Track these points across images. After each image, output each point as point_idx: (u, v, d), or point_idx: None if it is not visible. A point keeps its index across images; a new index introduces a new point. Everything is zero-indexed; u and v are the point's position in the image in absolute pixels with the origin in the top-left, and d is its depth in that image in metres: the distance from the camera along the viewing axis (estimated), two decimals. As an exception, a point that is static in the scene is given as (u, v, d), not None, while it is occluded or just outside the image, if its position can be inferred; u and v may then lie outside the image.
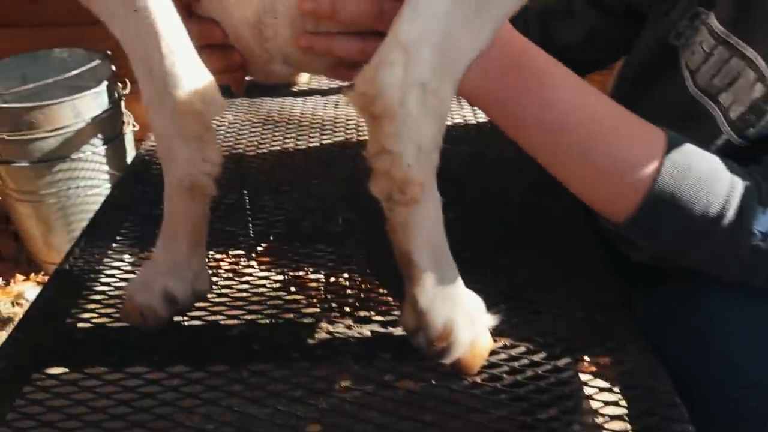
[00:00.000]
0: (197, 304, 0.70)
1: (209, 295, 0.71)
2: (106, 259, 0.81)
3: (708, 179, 0.62)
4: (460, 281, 0.59)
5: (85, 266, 0.80)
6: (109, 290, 0.76)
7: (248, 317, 0.71)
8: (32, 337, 0.69)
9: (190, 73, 0.51)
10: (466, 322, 0.59)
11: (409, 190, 0.48)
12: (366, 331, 0.69)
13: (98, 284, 0.77)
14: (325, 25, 0.55)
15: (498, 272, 0.76)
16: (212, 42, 0.58)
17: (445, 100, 0.50)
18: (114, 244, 0.84)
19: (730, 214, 0.61)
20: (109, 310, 0.73)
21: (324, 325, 0.70)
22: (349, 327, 0.69)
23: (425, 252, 0.53)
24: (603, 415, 0.59)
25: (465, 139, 1.04)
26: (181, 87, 0.51)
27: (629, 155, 0.62)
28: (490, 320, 0.63)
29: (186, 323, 0.70)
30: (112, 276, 0.78)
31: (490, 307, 0.63)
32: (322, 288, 0.75)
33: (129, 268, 0.79)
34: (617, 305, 0.71)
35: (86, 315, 0.72)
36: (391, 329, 0.69)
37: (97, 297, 0.75)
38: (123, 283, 0.76)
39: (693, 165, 0.62)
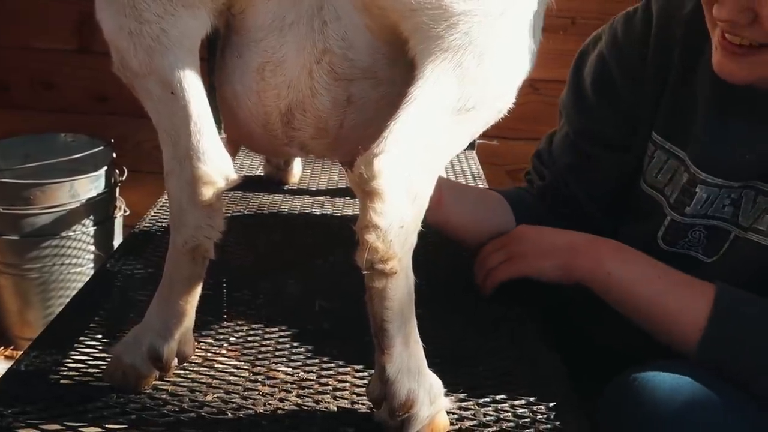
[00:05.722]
0: (175, 372, 0.75)
1: (183, 370, 0.76)
2: (92, 324, 0.86)
3: (756, 321, 0.75)
4: (424, 360, 0.66)
5: (74, 328, 0.85)
6: (94, 352, 0.80)
7: (221, 389, 0.75)
8: (15, 391, 0.73)
9: (211, 149, 0.61)
10: (427, 399, 0.64)
11: (389, 262, 0.56)
12: (333, 406, 0.73)
13: (83, 346, 0.81)
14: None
15: (459, 362, 0.81)
16: None
17: (426, 190, 0.60)
18: (102, 311, 0.89)
19: None
20: (91, 370, 0.77)
21: (293, 398, 0.74)
22: (317, 401, 0.74)
23: (397, 323, 0.60)
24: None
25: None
26: (202, 160, 0.60)
27: (679, 311, 0.78)
28: (447, 403, 0.68)
29: (162, 387, 0.74)
30: (99, 341, 0.82)
31: (448, 392, 0.69)
32: (290, 381, 0.79)
33: (116, 336, 0.84)
34: (567, 396, 0.77)
35: (69, 374, 0.76)
36: (356, 406, 0.73)
37: (82, 358, 0.79)
38: (107, 347, 0.80)
39: (740, 309, 0.76)
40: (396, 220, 0.56)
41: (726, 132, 0.84)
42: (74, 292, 1.83)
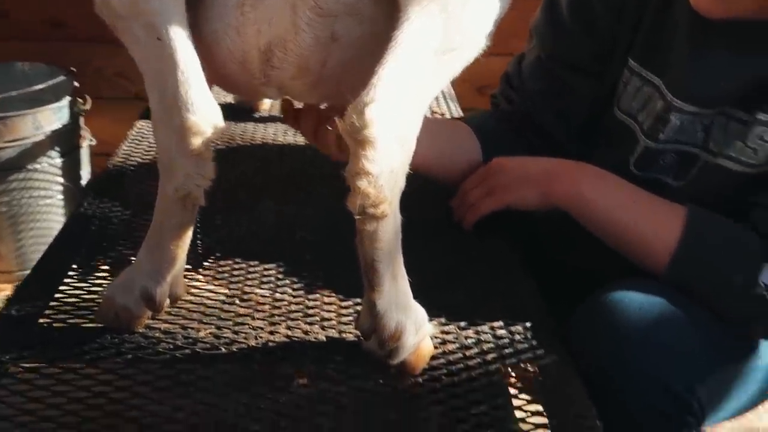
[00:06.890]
0: (166, 310, 0.77)
1: (174, 308, 0.78)
2: (74, 266, 0.86)
3: (723, 245, 0.79)
4: (410, 293, 0.69)
5: (57, 273, 0.85)
6: (83, 293, 0.81)
7: (212, 325, 0.77)
8: (8, 335, 0.74)
9: (200, 99, 0.60)
10: (413, 328, 0.68)
11: (380, 206, 0.58)
12: (321, 336, 0.77)
13: (71, 288, 0.82)
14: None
15: (440, 291, 0.85)
16: None
17: (413, 133, 0.61)
18: (84, 251, 0.90)
19: (745, 271, 0.77)
20: (82, 312, 0.78)
21: (282, 330, 0.77)
22: (306, 332, 0.77)
23: (386, 262, 0.63)
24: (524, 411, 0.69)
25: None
26: (190, 110, 0.60)
27: (653, 235, 0.82)
28: (431, 329, 0.72)
29: (155, 325, 0.76)
30: (85, 281, 0.83)
31: (431, 319, 0.73)
32: (278, 313, 0.80)
33: (101, 276, 0.85)
34: (542, 319, 0.82)
35: (60, 316, 0.77)
36: (344, 335, 0.77)
37: (71, 300, 0.80)
38: (97, 288, 0.82)
39: (709, 233, 0.80)
40: (387, 166, 0.57)
41: (705, 61, 0.85)
42: (45, 224, 1.83)
